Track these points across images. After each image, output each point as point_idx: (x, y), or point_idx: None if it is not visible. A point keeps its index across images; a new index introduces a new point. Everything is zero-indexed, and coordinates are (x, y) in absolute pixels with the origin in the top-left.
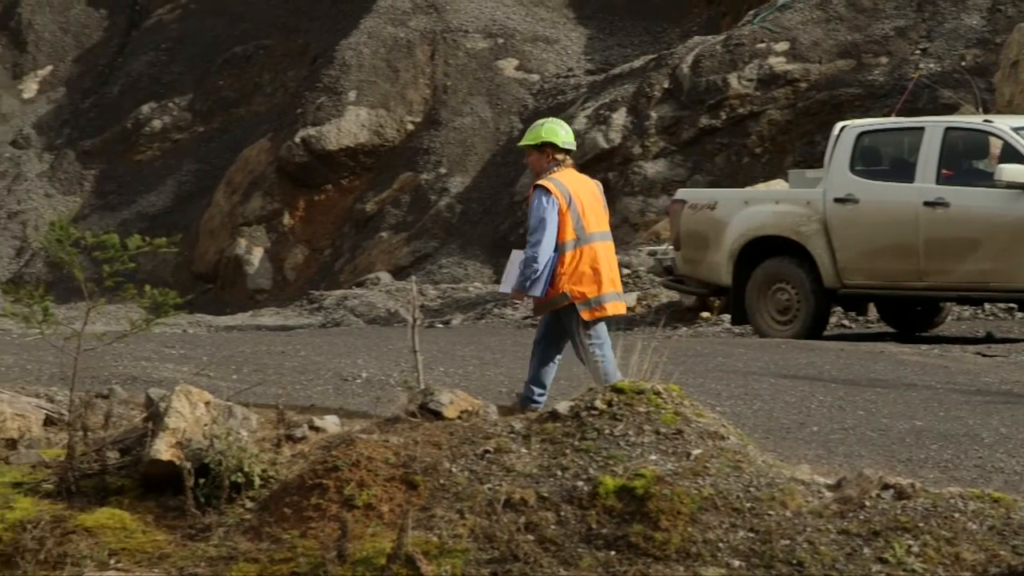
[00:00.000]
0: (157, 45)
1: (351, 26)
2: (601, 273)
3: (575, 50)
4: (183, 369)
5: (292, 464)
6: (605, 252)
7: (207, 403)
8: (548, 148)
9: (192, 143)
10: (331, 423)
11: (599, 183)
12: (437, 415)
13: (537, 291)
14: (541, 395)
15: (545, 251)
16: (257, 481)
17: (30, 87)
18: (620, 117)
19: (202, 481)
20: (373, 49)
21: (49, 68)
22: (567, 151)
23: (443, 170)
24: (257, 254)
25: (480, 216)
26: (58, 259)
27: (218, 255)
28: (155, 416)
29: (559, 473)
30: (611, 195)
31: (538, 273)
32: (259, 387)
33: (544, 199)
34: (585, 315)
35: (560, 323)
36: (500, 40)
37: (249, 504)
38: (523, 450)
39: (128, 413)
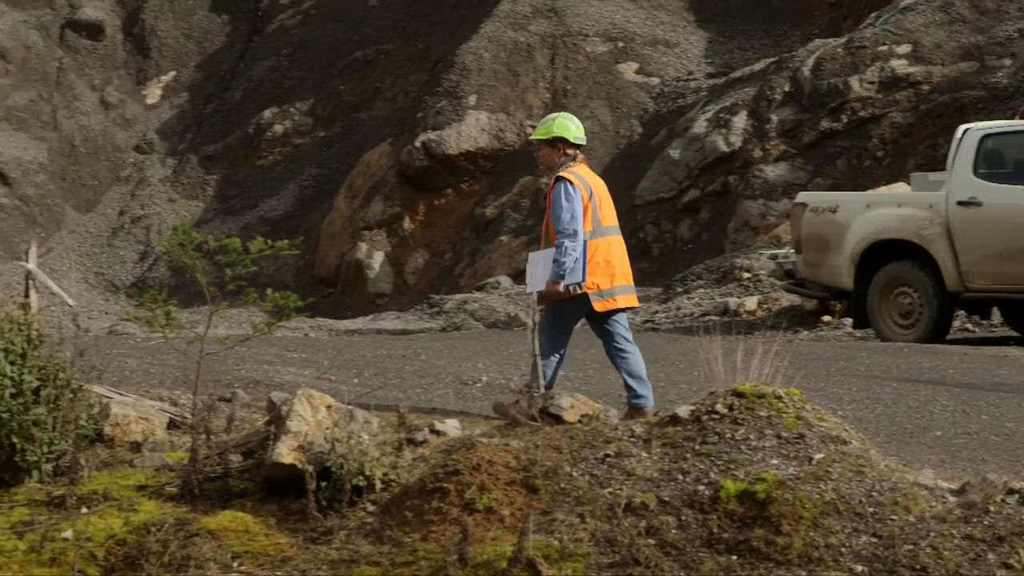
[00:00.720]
0: (279, 50)
1: (471, 30)
2: (614, 266)
3: (695, 53)
4: (305, 373)
5: (413, 467)
6: (618, 246)
7: (329, 407)
8: (559, 143)
9: (313, 148)
10: (452, 427)
11: (603, 181)
12: (557, 419)
13: (577, 277)
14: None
15: (579, 239)
16: (378, 484)
17: (154, 93)
18: (740, 120)
19: (324, 484)
20: (493, 53)
21: (172, 74)
22: (578, 146)
23: None
24: (378, 258)
25: None
26: (181, 263)
27: (339, 259)
28: (277, 419)
29: (680, 477)
30: (731, 198)
31: (575, 261)
32: (380, 391)
33: (570, 189)
34: (597, 306)
35: (563, 315)
36: (620, 44)
37: (370, 507)
38: (644, 454)
39: (250, 417)
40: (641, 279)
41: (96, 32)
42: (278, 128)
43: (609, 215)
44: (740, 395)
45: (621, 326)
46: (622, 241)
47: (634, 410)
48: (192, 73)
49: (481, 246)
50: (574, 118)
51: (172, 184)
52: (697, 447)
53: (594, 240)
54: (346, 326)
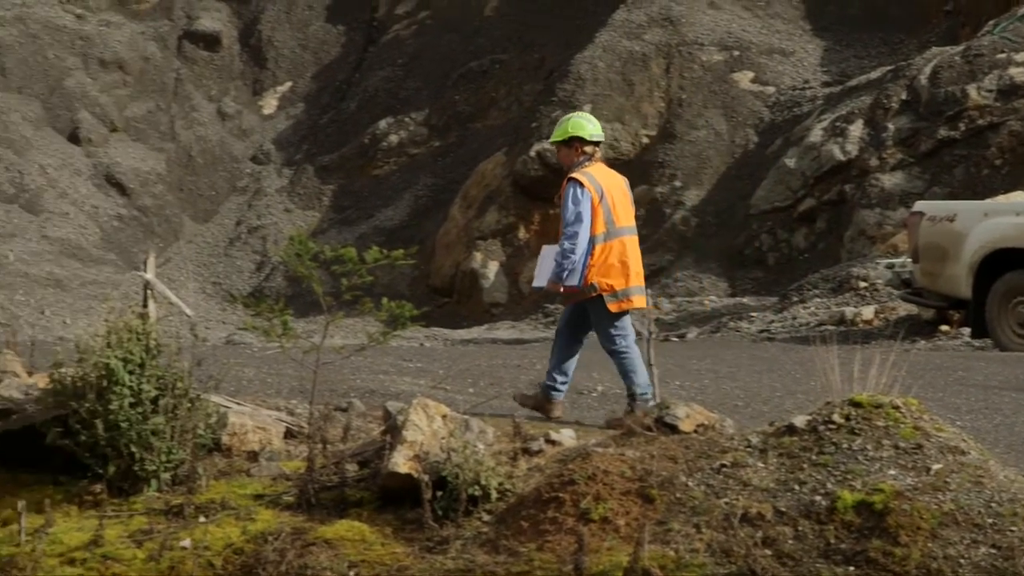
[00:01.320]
0: (394, 60)
1: (586, 40)
2: (629, 266)
3: (811, 62)
4: (420, 382)
5: (528, 477)
6: (632, 246)
7: (444, 416)
8: (576, 142)
9: (428, 158)
10: (567, 436)
11: (626, 179)
12: (673, 429)
13: (574, 281)
14: (564, 383)
15: (581, 243)
16: (494, 494)
17: (270, 103)
18: (857, 129)
19: (440, 494)
20: (608, 63)
21: (288, 84)
22: (595, 143)
23: (678, 183)
24: (493, 268)
25: (715, 229)
26: (297, 273)
27: (454, 269)
28: (393, 429)
29: (796, 487)
30: (847, 207)
31: (574, 264)
32: (495, 400)
33: (579, 192)
34: (612, 307)
35: (583, 314)
36: (735, 53)
37: (486, 517)
38: (760, 464)
39: (366, 426)
40: (756, 288)
41: (213, 43)
42: (393, 138)
43: (625, 215)
44: (857, 405)
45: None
46: (636, 241)
47: (547, 396)
48: (308, 83)
49: None
50: (590, 116)
51: (288, 194)
52: (814, 457)
53: (608, 241)
54: (461, 336)
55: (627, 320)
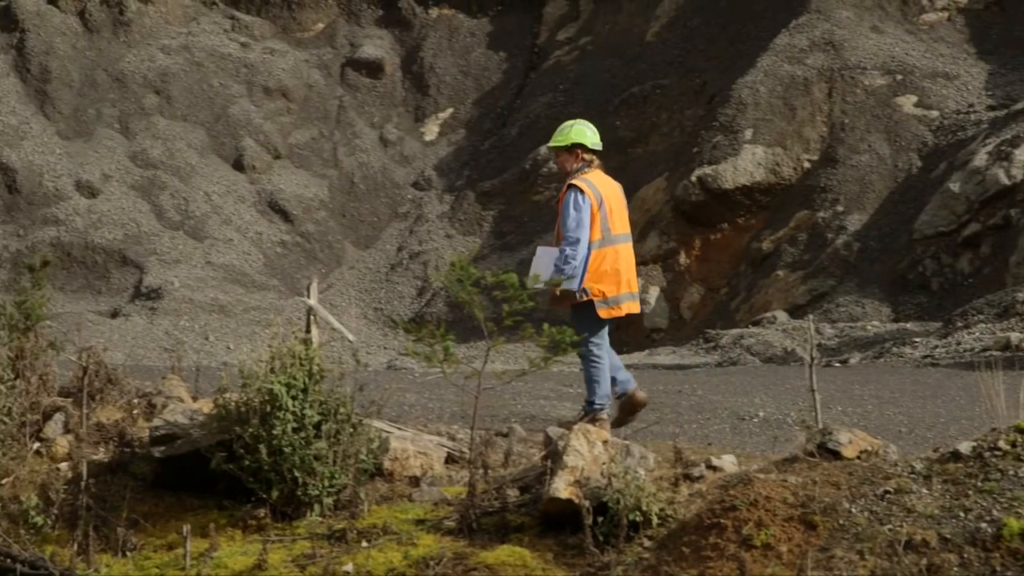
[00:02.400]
0: (555, 86)
1: (748, 65)
2: (621, 274)
3: (975, 85)
4: (579, 407)
5: (690, 503)
6: (626, 254)
7: (605, 442)
8: (577, 149)
9: None
10: (728, 462)
11: (620, 185)
12: (835, 455)
13: (573, 285)
14: (605, 396)
15: (582, 249)
16: (655, 520)
17: (431, 130)
18: (1022, 153)
19: (600, 519)
20: (770, 87)
21: (450, 111)
22: (595, 152)
23: (840, 208)
24: (653, 293)
25: (878, 254)
26: (459, 299)
27: None
28: (554, 454)
29: (961, 514)
30: (1013, 232)
31: (575, 270)
32: (656, 426)
33: (579, 198)
34: (603, 313)
35: (584, 327)
36: (899, 77)
37: (647, 543)
38: (924, 490)
39: (527, 451)
40: (920, 314)
41: (376, 70)
42: (554, 164)
43: (620, 223)
44: (1023, 431)
45: (608, 333)
46: (631, 248)
47: (589, 415)
48: (469, 110)
49: (757, 280)
50: (590, 124)
51: (449, 220)
52: (979, 484)
53: (603, 248)
54: (622, 361)
55: (606, 329)
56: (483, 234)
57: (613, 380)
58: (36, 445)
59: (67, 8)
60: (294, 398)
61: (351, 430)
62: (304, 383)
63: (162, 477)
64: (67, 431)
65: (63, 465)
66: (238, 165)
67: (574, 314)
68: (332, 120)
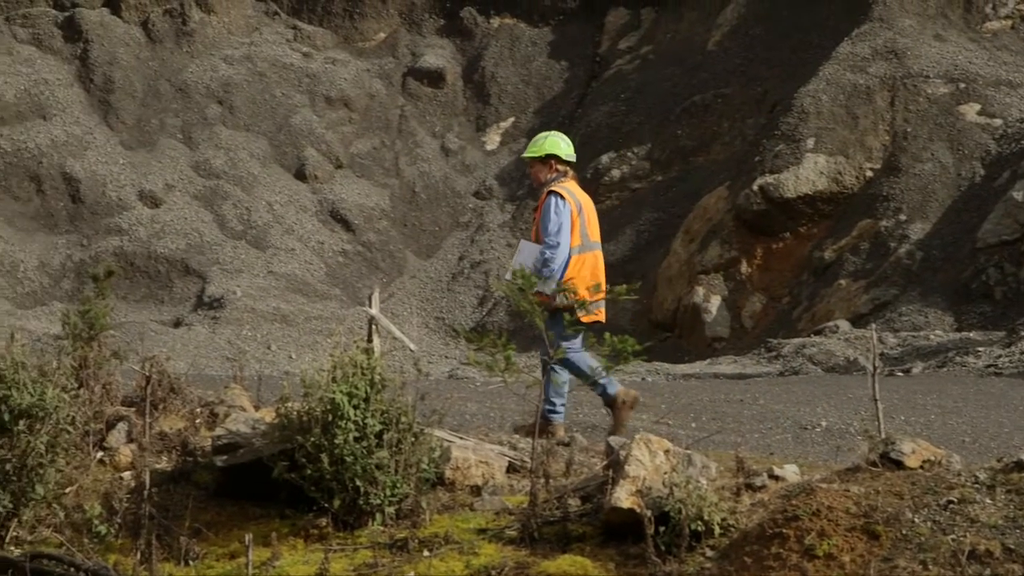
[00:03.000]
0: (616, 95)
1: (810, 73)
2: (598, 279)
3: None
4: (642, 417)
5: (752, 513)
6: (600, 261)
7: (666, 451)
8: (551, 160)
9: (650, 192)
10: (790, 472)
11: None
12: (898, 464)
13: (547, 288)
14: (562, 405)
15: (563, 253)
16: (717, 530)
17: (493, 139)
18: None
19: (662, 529)
20: (832, 96)
21: (511, 120)
22: (568, 163)
23: (903, 216)
24: (715, 302)
25: (941, 263)
26: (520, 308)
27: (676, 303)
28: (615, 464)
29: None
30: None
31: (553, 272)
32: (718, 435)
33: (560, 204)
34: (583, 317)
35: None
36: (962, 85)
37: (709, 553)
38: (987, 500)
39: (588, 461)
40: (983, 323)
41: (437, 80)
42: (616, 172)
43: (594, 231)
44: None
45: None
46: (602, 256)
47: (546, 423)
48: (531, 119)
49: (819, 289)
50: (564, 136)
51: (511, 229)
52: None
53: (582, 254)
54: (683, 370)
55: (580, 337)
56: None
57: (597, 385)
58: (99, 454)
59: (130, 19)
60: (356, 407)
61: (413, 439)
62: (366, 392)
63: (224, 486)
64: (130, 440)
65: (126, 474)
66: (300, 175)
67: (550, 318)
68: (393, 129)
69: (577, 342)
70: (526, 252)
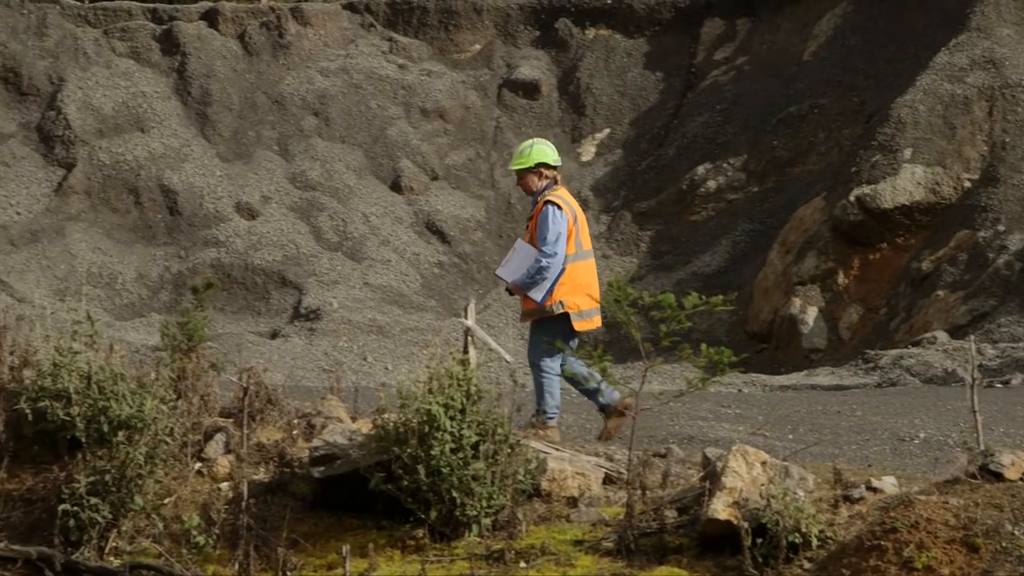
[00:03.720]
0: (712, 106)
1: (907, 83)
2: (592, 287)
3: None
4: (739, 429)
5: (849, 525)
6: (594, 269)
7: (763, 463)
8: (540, 168)
9: (746, 203)
10: (888, 484)
11: None
12: (998, 476)
13: (538, 296)
14: (556, 408)
15: (558, 262)
16: (815, 542)
17: (588, 150)
18: None
19: (759, 541)
20: (929, 106)
21: (606, 131)
22: (556, 168)
23: (1001, 227)
24: (811, 313)
25: None
26: (616, 319)
27: (772, 314)
28: (712, 475)
29: None
30: None
31: (545, 280)
32: (815, 447)
33: (558, 213)
34: (578, 326)
35: (547, 338)
36: None
37: (807, 565)
38: None
39: (685, 472)
40: None
41: (532, 91)
42: (711, 184)
43: (587, 239)
44: None
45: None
46: (595, 264)
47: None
48: (626, 130)
49: (917, 301)
50: (548, 142)
51: (607, 240)
52: None
53: (576, 262)
54: (780, 382)
55: (575, 342)
56: (640, 254)
57: (595, 392)
58: (198, 465)
59: (227, 32)
60: (452, 419)
61: (509, 451)
62: (462, 404)
63: (321, 497)
64: (228, 451)
65: (224, 485)
66: (395, 186)
67: (544, 325)
68: (489, 141)
69: (572, 351)
70: (522, 253)
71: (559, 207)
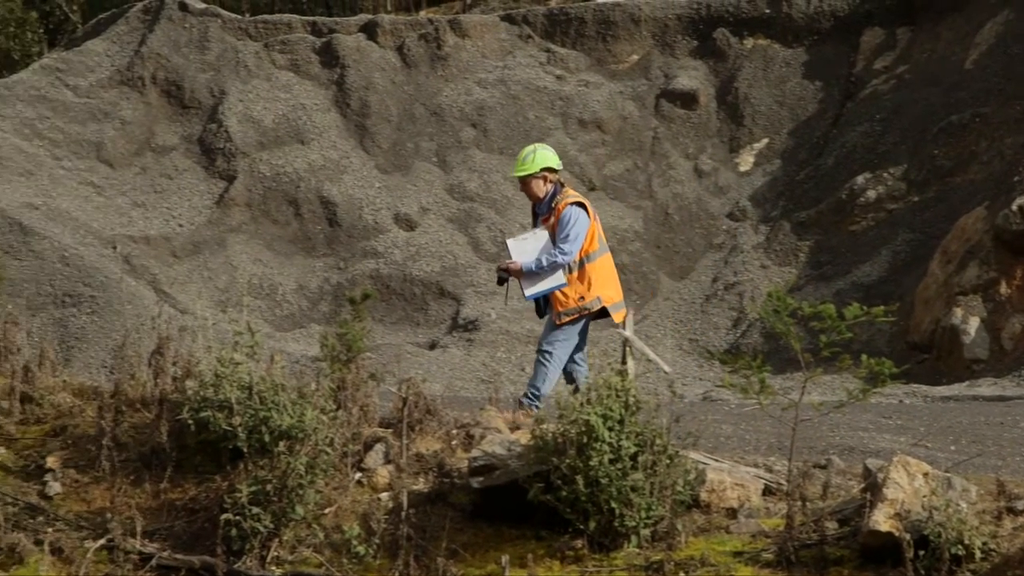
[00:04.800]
0: (872, 116)
1: None
2: (616, 279)
3: None
4: (900, 440)
5: (1014, 537)
6: (612, 262)
7: (925, 474)
8: (545, 172)
9: (906, 213)
10: None
11: None
12: None
13: (530, 290)
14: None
15: (567, 261)
16: (978, 554)
17: (746, 160)
18: None
19: (921, 553)
20: None
21: (765, 141)
22: (558, 171)
23: None
24: (973, 324)
25: None
26: (775, 329)
27: (933, 325)
28: (873, 487)
29: None
30: None
31: (545, 274)
32: (977, 459)
33: (584, 216)
34: (617, 317)
35: (576, 337)
36: None
37: None
38: None
39: (845, 484)
40: None
41: (690, 101)
42: (871, 193)
43: (602, 235)
44: None
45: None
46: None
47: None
48: (785, 140)
49: None
50: (548, 146)
51: (764, 251)
52: None
53: (602, 256)
54: (941, 392)
55: (585, 333)
56: (799, 264)
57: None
58: (357, 475)
59: (386, 44)
60: (610, 429)
61: (667, 461)
62: (620, 414)
63: (480, 507)
64: (387, 461)
65: (384, 495)
66: None
67: (561, 319)
68: (646, 151)
69: (574, 340)
70: (539, 241)
71: (584, 208)
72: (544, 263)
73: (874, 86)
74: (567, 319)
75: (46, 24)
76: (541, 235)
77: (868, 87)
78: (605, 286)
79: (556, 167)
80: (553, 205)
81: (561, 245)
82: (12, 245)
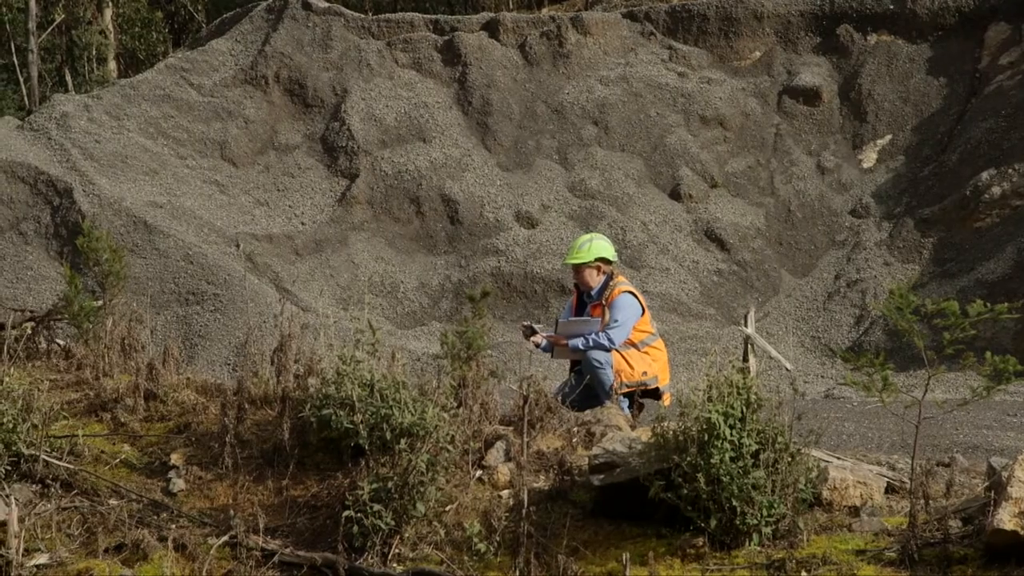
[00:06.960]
0: (997, 112)
1: None
2: (667, 366)
3: None
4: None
5: None
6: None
7: None
8: (600, 263)
9: None
10: None
11: None
12: None
13: (560, 355)
14: None
15: (614, 344)
16: None
17: (869, 157)
18: None
19: None
20: None
21: (888, 137)
22: (612, 263)
23: None
24: None
25: None
26: (898, 327)
27: None
28: (997, 485)
29: None
30: None
31: (592, 349)
32: None
33: (637, 306)
34: (666, 399)
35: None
36: None
37: None
38: None
39: (969, 482)
40: None
41: (813, 97)
42: (996, 190)
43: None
44: None
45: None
46: None
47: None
48: (908, 136)
49: None
50: (605, 237)
51: (888, 248)
52: None
53: (656, 341)
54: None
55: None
56: (922, 261)
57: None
58: (478, 473)
59: (508, 42)
60: (732, 427)
61: (789, 459)
62: (742, 412)
63: (601, 505)
64: (508, 459)
65: (504, 492)
66: (675, 194)
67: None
68: (768, 148)
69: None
70: (587, 323)
71: (636, 298)
72: (590, 343)
73: (999, 82)
74: (626, 390)
75: (171, 24)
76: (593, 322)
77: (993, 83)
78: (664, 369)
79: (611, 259)
80: (605, 295)
81: (609, 331)
82: (137, 243)
